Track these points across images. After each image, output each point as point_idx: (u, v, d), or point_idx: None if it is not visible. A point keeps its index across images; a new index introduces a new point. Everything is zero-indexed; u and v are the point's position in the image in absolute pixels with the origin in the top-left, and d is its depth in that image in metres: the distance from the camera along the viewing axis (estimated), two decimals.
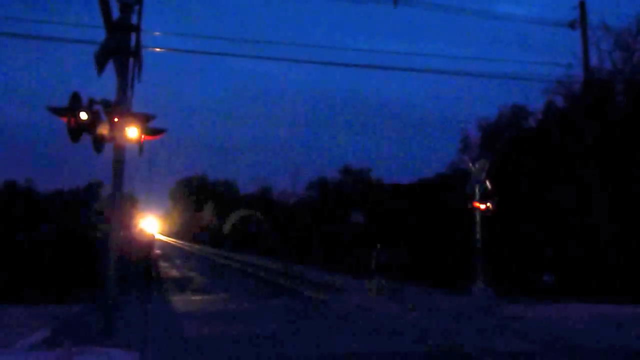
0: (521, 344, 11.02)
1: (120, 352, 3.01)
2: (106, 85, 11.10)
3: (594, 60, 22.68)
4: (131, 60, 10.99)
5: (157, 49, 17.70)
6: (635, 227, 20.15)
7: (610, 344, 11.01)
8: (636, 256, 19.47)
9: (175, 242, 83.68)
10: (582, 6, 22.94)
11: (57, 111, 10.48)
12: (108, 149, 10.95)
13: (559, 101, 25.96)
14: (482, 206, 18.88)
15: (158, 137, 11.43)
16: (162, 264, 36.41)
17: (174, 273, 30.39)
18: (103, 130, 10.61)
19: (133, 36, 11.01)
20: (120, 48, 10.80)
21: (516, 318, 14.33)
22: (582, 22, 22.45)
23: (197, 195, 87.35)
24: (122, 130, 10.63)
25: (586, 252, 20.22)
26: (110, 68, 10.76)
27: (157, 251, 49.80)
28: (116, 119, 10.58)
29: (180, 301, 17.97)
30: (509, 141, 28.83)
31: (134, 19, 11.04)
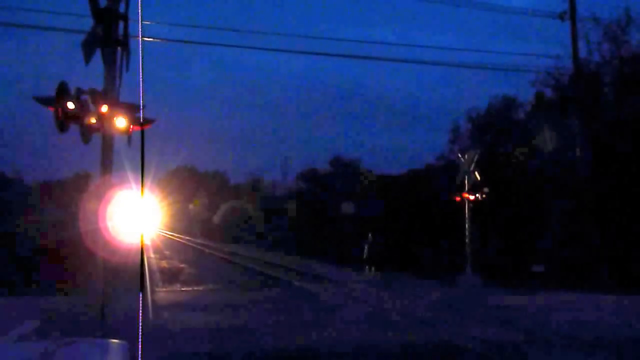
0: (508, 333, 11.13)
1: (110, 342, 3.00)
2: (94, 74, 10.97)
3: (583, 52, 22.81)
4: (119, 49, 10.87)
5: (146, 39, 17.52)
6: (625, 218, 20.36)
7: (598, 332, 11.15)
8: (622, 246, 19.71)
9: (165, 233, 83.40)
10: None
11: (43, 101, 10.33)
12: (96, 139, 10.84)
13: (548, 93, 26.11)
14: (471, 197, 19.01)
15: (147, 127, 11.31)
16: (152, 255, 36.29)
17: (164, 264, 30.29)
18: (91, 120, 10.49)
19: (121, 25, 10.88)
20: (107, 37, 10.67)
21: (504, 307, 14.48)
22: (571, 13, 22.51)
23: (186, 186, 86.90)
24: (111, 120, 10.52)
25: (576, 242, 20.41)
26: (98, 57, 10.63)
27: (147, 243, 49.54)
28: (104, 109, 10.47)
29: (170, 293, 17.94)
30: (498, 132, 28.98)
31: (122, 8, 10.90)
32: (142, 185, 3.92)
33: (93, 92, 10.54)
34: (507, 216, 23.03)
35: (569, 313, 13.64)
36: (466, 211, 19.08)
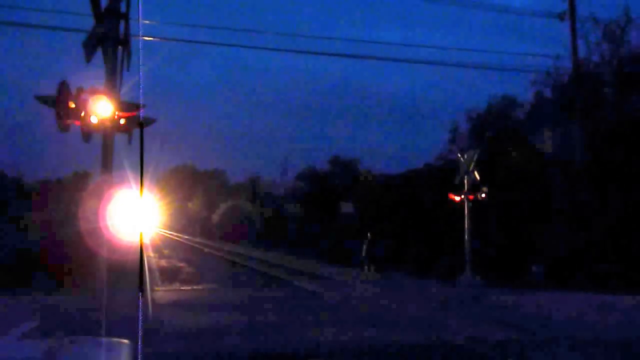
0: (508, 333, 11.15)
1: (112, 341, 3.01)
2: (95, 74, 10.98)
3: (582, 52, 22.85)
4: (120, 48, 10.89)
5: (147, 38, 17.53)
6: (625, 218, 20.37)
7: (598, 332, 11.18)
8: (623, 247, 19.74)
9: (164, 232, 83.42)
10: None
11: (45, 100, 10.35)
12: (96, 138, 10.86)
13: (548, 93, 26.12)
14: (471, 196, 19.03)
15: (148, 127, 11.32)
16: (151, 254, 36.31)
17: (163, 263, 30.31)
18: (92, 119, 10.51)
19: (122, 24, 10.90)
20: (108, 36, 10.69)
21: (503, 307, 14.52)
22: (571, 13, 22.55)
23: (185, 185, 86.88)
24: (111, 119, 10.54)
25: (576, 243, 20.43)
26: (99, 56, 10.66)
27: (146, 242, 49.58)
28: (105, 108, 10.48)
29: (169, 292, 17.97)
30: (498, 132, 29.00)
31: (123, 7, 10.92)
32: (142, 184, 3.94)
33: (94, 91, 10.56)
34: (506, 216, 23.04)
35: (569, 313, 13.68)
36: (466, 211, 19.11)
